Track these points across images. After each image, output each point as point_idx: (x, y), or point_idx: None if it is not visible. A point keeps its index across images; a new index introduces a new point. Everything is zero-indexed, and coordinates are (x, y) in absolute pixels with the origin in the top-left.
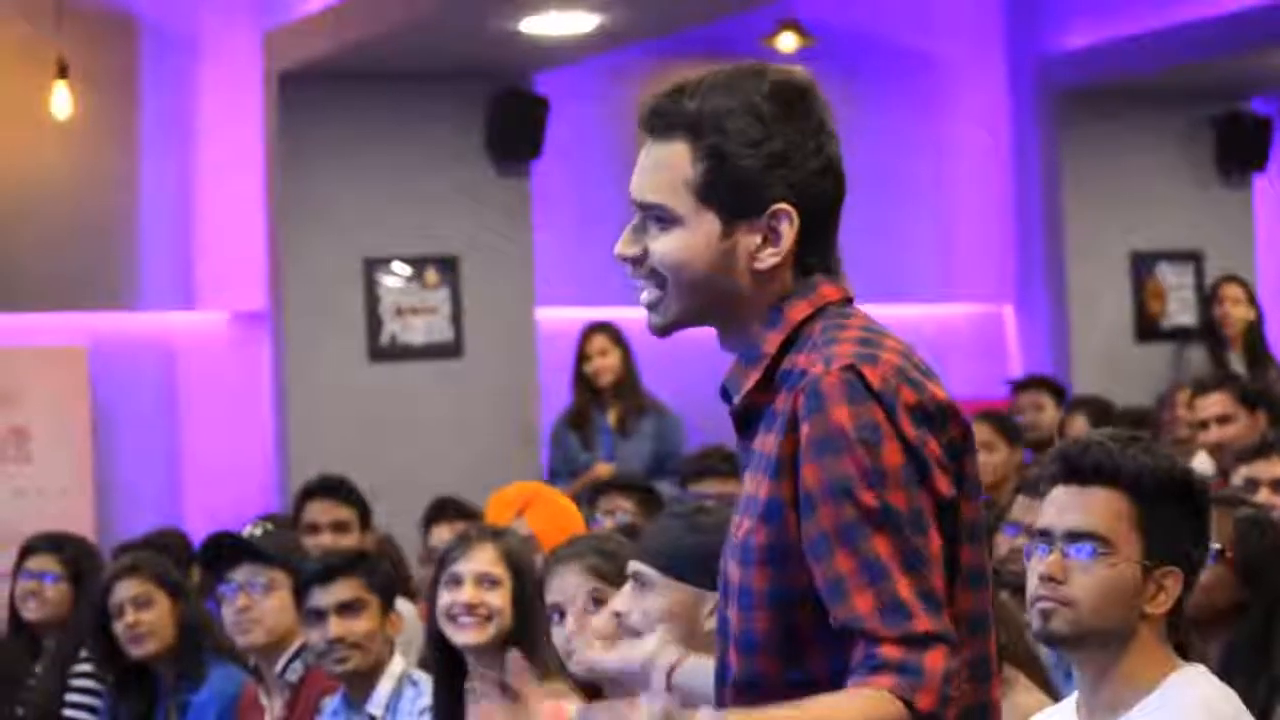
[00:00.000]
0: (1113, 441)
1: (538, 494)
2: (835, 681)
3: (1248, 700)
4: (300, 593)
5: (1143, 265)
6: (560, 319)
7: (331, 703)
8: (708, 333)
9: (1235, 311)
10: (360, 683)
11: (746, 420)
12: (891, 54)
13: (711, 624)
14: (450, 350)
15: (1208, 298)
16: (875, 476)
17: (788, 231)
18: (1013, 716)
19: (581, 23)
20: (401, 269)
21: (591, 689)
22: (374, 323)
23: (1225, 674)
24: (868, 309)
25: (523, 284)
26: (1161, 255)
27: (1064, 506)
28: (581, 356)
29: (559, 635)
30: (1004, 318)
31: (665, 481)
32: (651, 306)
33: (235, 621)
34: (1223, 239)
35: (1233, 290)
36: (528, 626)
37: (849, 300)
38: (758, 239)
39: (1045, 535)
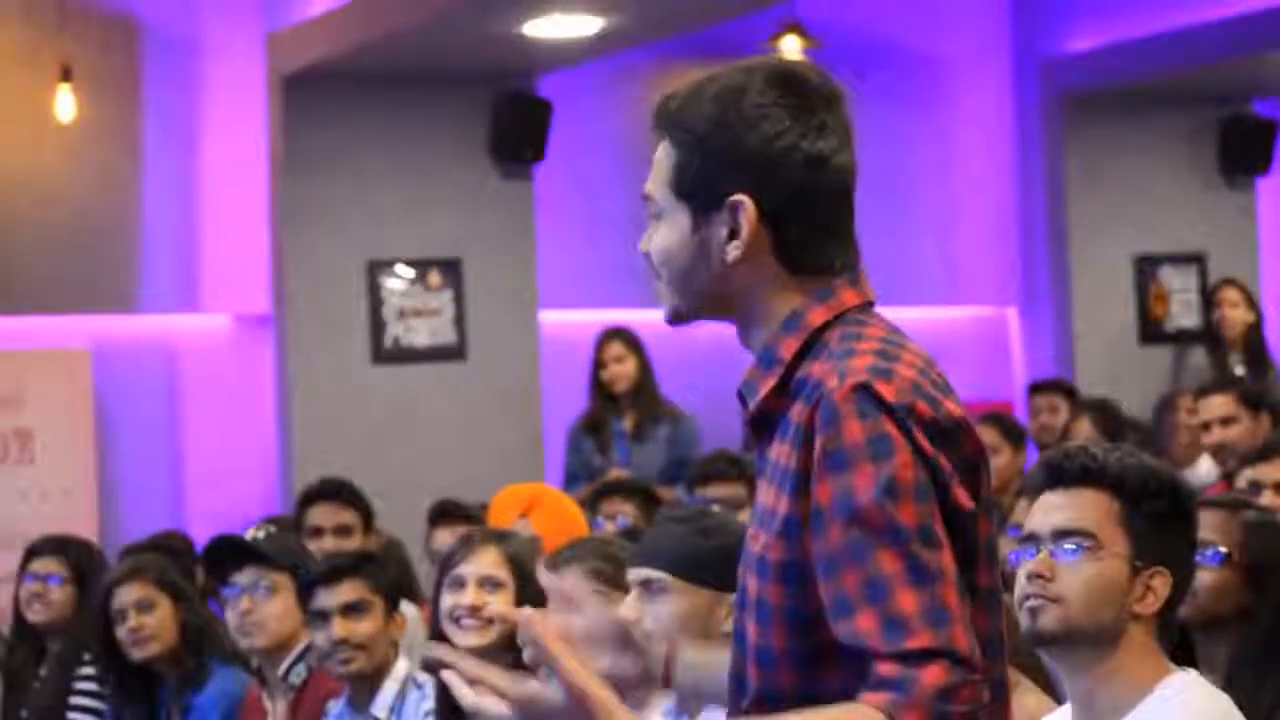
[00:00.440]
0: (1097, 447)
1: (542, 496)
2: (852, 697)
3: (1254, 705)
4: (305, 594)
5: (1146, 268)
6: (563, 321)
7: (336, 705)
8: (724, 335)
9: (1233, 315)
10: (364, 685)
11: (762, 425)
12: (895, 57)
13: (728, 625)
14: (453, 353)
15: (1209, 301)
16: (885, 492)
17: (745, 223)
18: (1019, 718)
19: (584, 25)
20: (405, 271)
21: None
22: (377, 325)
23: (1231, 678)
24: None
25: (526, 286)
26: (1165, 258)
27: (1050, 509)
28: (598, 362)
29: None
30: (1008, 320)
31: (680, 487)
32: (659, 298)
33: (238, 624)
34: (1226, 242)
35: (1231, 294)
36: None
37: (870, 305)
38: (724, 232)
39: (1032, 538)
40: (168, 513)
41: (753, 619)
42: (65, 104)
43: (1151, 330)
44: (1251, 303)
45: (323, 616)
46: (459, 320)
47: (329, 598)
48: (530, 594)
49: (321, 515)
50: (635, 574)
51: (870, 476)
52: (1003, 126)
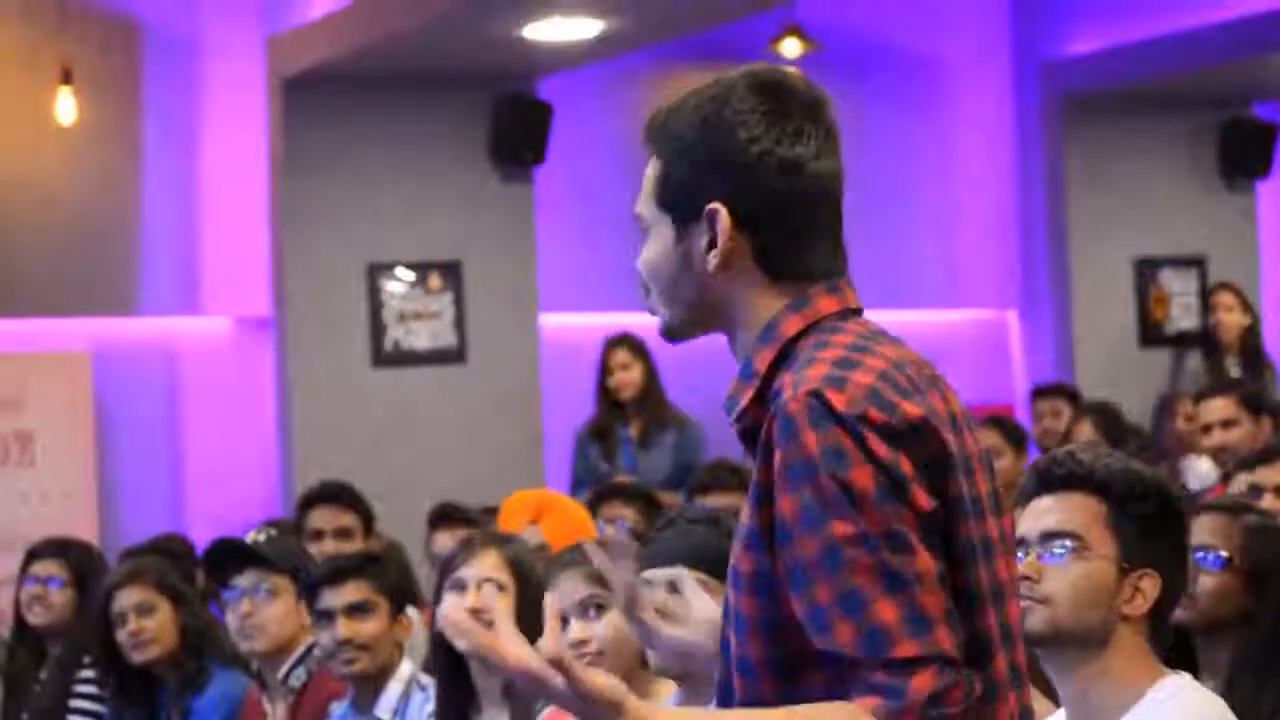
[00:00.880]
0: (1085, 451)
1: (553, 502)
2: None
3: (1255, 710)
4: (306, 597)
5: (1146, 271)
6: (563, 324)
7: (340, 707)
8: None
9: (1229, 319)
10: (368, 686)
11: (752, 438)
12: (895, 59)
13: None
14: (453, 355)
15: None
16: (846, 503)
17: (722, 230)
18: None
19: (585, 28)
20: (405, 274)
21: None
22: (377, 328)
23: (1232, 683)
24: (870, 316)
25: (526, 289)
26: (1165, 261)
27: (1039, 513)
28: (604, 369)
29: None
30: (1008, 323)
31: (682, 494)
32: (651, 313)
33: (239, 627)
34: (1226, 244)
35: (1225, 298)
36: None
37: (851, 312)
38: (704, 241)
39: (1022, 543)
40: (168, 515)
41: (732, 629)
42: (65, 106)
43: (1152, 333)
44: (1247, 306)
45: (327, 617)
46: (459, 323)
47: (334, 598)
48: (531, 596)
49: (322, 518)
50: (661, 573)
51: (830, 488)
52: (1003, 129)
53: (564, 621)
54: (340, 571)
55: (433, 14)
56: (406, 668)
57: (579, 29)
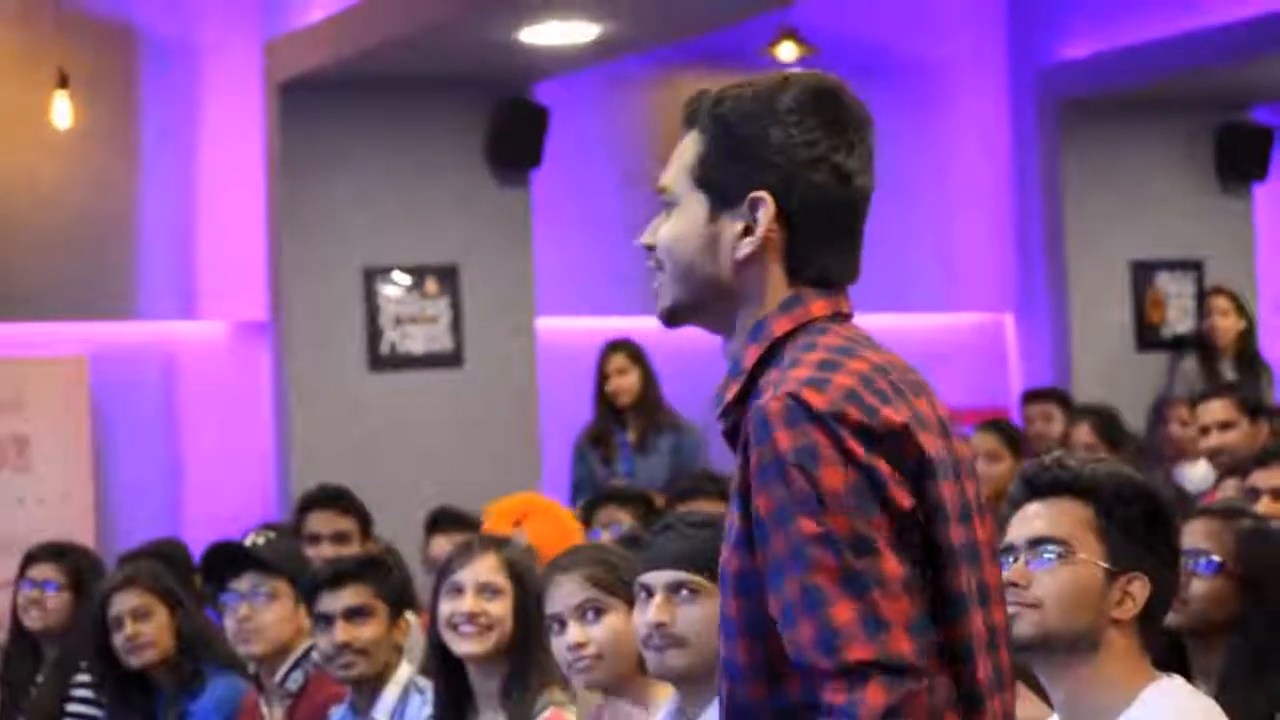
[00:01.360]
0: (1071, 457)
1: (535, 505)
2: (813, 708)
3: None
4: (304, 600)
5: (1143, 274)
6: (560, 328)
7: (339, 710)
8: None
9: (1224, 323)
10: (366, 689)
11: (734, 437)
12: (892, 63)
13: None
14: (450, 359)
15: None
16: (814, 502)
17: (764, 219)
18: None
19: (581, 32)
20: (401, 278)
21: None
22: (374, 332)
23: (1225, 686)
24: (868, 319)
25: (523, 293)
26: (1162, 264)
27: (1027, 519)
28: (601, 375)
29: (559, 645)
30: (1005, 327)
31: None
32: (657, 293)
33: (237, 631)
34: (1223, 248)
35: (1220, 302)
36: (529, 636)
37: (842, 316)
38: (739, 227)
39: (1009, 550)
40: (165, 519)
41: (721, 632)
42: (62, 110)
43: (1148, 336)
44: (1242, 310)
45: (326, 620)
46: (456, 327)
47: (333, 601)
48: (528, 600)
49: (319, 522)
50: (660, 577)
51: (799, 487)
52: (1000, 133)
53: (562, 625)
54: (339, 575)
55: (430, 18)
56: (405, 671)
57: (576, 33)
